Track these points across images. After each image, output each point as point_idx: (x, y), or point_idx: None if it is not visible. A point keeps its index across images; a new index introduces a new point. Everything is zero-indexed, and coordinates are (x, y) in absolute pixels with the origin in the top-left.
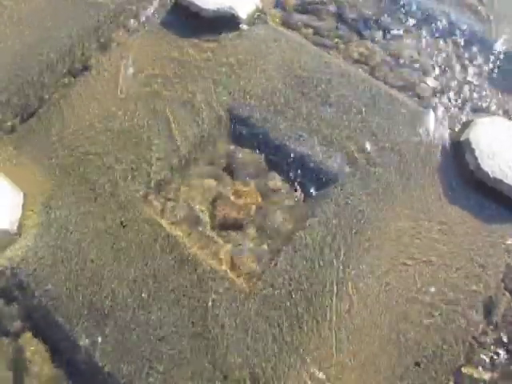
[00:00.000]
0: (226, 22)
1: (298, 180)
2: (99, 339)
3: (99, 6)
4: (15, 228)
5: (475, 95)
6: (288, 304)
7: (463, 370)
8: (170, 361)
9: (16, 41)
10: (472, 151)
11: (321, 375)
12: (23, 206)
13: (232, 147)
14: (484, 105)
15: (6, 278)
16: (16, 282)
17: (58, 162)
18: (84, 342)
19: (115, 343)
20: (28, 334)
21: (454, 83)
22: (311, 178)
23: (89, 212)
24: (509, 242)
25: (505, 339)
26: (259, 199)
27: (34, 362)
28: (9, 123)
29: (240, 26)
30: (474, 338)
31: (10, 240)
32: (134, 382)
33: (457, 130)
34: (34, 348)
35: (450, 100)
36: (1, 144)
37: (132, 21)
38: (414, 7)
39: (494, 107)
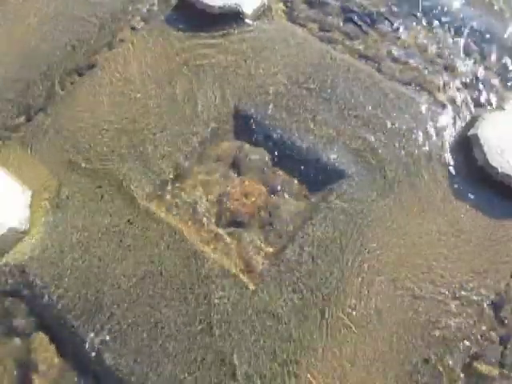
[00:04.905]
0: (231, 18)
1: (304, 176)
2: (107, 337)
3: (104, 4)
4: (23, 226)
5: (484, 90)
6: (294, 301)
7: (472, 366)
8: (177, 358)
9: (21, 40)
10: (480, 147)
11: (328, 373)
12: (31, 204)
13: (238, 144)
14: (493, 100)
15: (14, 276)
16: (24, 281)
17: (65, 160)
18: (92, 339)
19: (123, 341)
20: (36, 333)
21: (462, 78)
22: (317, 175)
23: (96, 210)
24: None
25: None
26: (265, 196)
27: (43, 360)
28: (16, 122)
29: (246, 21)
30: (483, 334)
31: (18, 238)
32: (141, 380)
33: (465, 125)
34: (42, 346)
35: (458, 95)
36: (8, 142)
37: (137, 18)
38: (422, 1)
39: (502, 102)
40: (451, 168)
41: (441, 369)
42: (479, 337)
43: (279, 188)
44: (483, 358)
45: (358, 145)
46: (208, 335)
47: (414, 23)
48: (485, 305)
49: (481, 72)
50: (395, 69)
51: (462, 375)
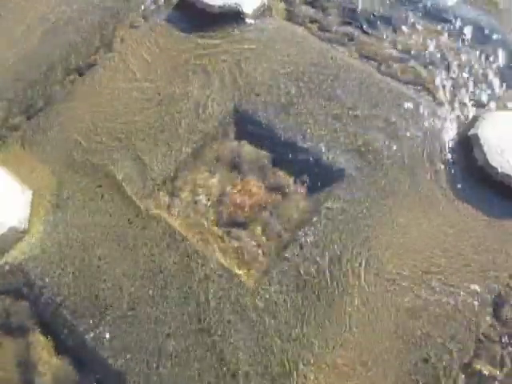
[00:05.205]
0: (231, 17)
1: (304, 176)
2: (107, 336)
3: (104, 3)
4: (23, 226)
5: (484, 90)
6: (294, 300)
7: (472, 365)
8: (177, 357)
9: (21, 40)
10: (480, 147)
11: (328, 372)
12: (31, 203)
13: (237, 144)
14: (493, 100)
15: (14, 275)
16: (24, 280)
17: (65, 160)
18: (91, 338)
19: (123, 340)
20: (36, 331)
21: (462, 78)
22: (317, 174)
23: (96, 209)
24: None
25: None
26: (265, 196)
27: (43, 358)
28: (16, 121)
29: (246, 21)
30: (483, 333)
31: (18, 238)
32: (141, 379)
33: (465, 125)
34: (42, 345)
35: (458, 95)
36: (8, 142)
37: (137, 18)
38: (422, 1)
39: (502, 102)
40: (451, 168)
41: (440, 369)
42: (479, 336)
43: (279, 188)
44: (483, 357)
45: (358, 145)
46: (208, 335)
47: (415, 23)
48: (485, 304)
49: (481, 72)
50: (395, 69)
51: (461, 375)
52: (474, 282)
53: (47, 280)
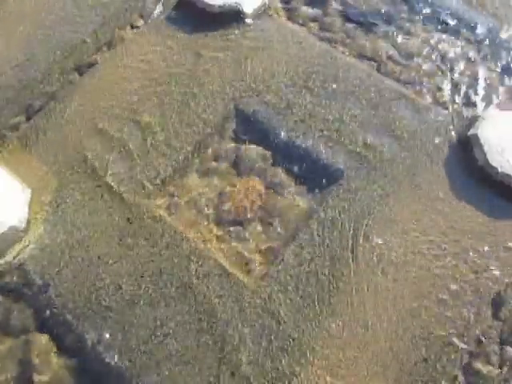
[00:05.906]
0: (231, 17)
1: (304, 176)
2: (107, 335)
3: (104, 3)
4: (23, 225)
5: (484, 90)
6: (294, 301)
7: (472, 365)
8: (176, 357)
9: (21, 39)
10: (481, 147)
11: (328, 372)
12: (31, 202)
13: (237, 143)
14: (492, 99)
15: (14, 274)
16: (23, 279)
17: (65, 159)
18: (91, 338)
19: (122, 339)
20: (35, 331)
21: (461, 78)
22: (317, 174)
23: (95, 209)
24: None
25: None
26: (265, 195)
27: (42, 359)
28: (15, 121)
29: (246, 20)
30: (482, 333)
31: (17, 237)
32: (141, 379)
33: (465, 125)
34: (41, 345)
35: (457, 95)
36: (8, 141)
37: (137, 18)
38: (422, 1)
39: (502, 102)
40: (451, 168)
41: (440, 369)
42: (479, 336)
43: (279, 188)
44: (483, 357)
45: (358, 144)
46: (208, 334)
47: (415, 23)
48: (485, 304)
49: (481, 72)
50: (395, 69)
51: (461, 375)
52: (473, 281)
53: (47, 279)
